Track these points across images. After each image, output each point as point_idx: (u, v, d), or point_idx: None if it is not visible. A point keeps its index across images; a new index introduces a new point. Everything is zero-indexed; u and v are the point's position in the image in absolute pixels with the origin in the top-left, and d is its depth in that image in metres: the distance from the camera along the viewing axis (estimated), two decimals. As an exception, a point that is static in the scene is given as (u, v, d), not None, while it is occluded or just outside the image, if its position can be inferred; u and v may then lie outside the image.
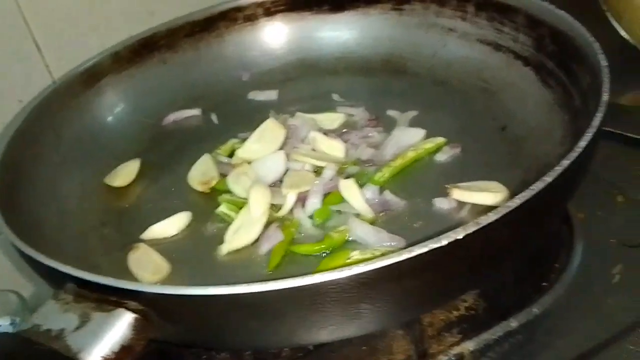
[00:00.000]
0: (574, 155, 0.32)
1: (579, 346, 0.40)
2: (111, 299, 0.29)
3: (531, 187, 0.30)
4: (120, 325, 0.28)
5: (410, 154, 0.50)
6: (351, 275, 0.27)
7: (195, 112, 0.63)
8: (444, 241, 0.27)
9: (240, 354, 0.41)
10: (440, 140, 0.52)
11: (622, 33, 0.67)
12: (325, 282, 0.27)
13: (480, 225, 0.28)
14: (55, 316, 0.29)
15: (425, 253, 0.27)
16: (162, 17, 0.67)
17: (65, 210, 0.49)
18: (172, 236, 0.48)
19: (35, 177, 0.48)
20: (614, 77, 0.64)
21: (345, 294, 0.28)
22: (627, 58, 0.68)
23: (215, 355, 0.41)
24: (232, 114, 0.63)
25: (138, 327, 0.28)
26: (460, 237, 0.28)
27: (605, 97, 0.36)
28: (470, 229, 0.28)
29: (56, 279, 0.32)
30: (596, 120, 0.34)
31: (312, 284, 0.27)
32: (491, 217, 0.28)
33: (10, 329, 0.55)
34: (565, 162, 0.31)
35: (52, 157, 0.51)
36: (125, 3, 0.67)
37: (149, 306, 0.29)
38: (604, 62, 0.39)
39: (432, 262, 0.28)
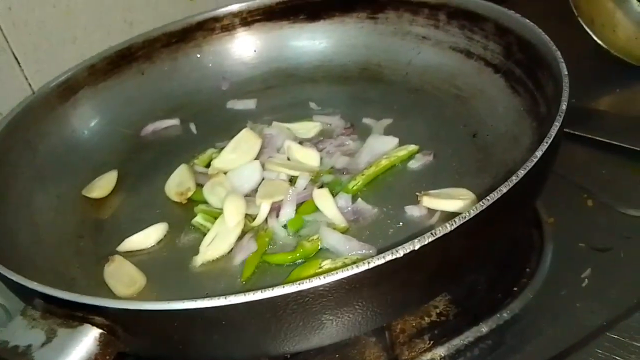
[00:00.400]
0: (529, 164, 0.32)
1: (548, 350, 0.41)
2: (78, 314, 0.30)
3: (487, 197, 0.30)
4: (86, 341, 0.29)
5: (384, 162, 0.51)
6: (309, 288, 0.28)
7: (174, 122, 0.64)
8: (400, 252, 0.28)
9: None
10: (412, 147, 0.52)
11: (595, 38, 0.68)
12: (283, 295, 0.28)
13: (436, 236, 0.28)
14: (23, 332, 0.29)
15: (383, 264, 0.28)
16: (140, 28, 0.67)
17: (41, 223, 0.50)
18: (149, 247, 0.48)
19: (10, 190, 0.48)
20: (587, 81, 0.66)
21: (306, 306, 0.28)
22: (600, 63, 0.69)
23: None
24: (210, 123, 0.63)
25: (104, 342, 0.29)
26: (416, 247, 0.28)
27: (564, 105, 0.37)
28: (426, 239, 0.28)
29: (25, 295, 0.32)
30: (554, 129, 0.35)
31: (273, 297, 0.28)
32: (447, 227, 0.29)
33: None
34: (521, 172, 0.32)
35: (28, 170, 0.52)
36: (103, 14, 0.67)
37: (115, 321, 0.30)
38: (564, 70, 0.40)
39: (391, 273, 0.29)
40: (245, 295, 0.28)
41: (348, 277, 0.28)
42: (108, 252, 0.48)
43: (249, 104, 0.65)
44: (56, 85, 0.58)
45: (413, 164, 0.52)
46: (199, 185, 0.53)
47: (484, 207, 0.30)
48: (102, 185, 0.55)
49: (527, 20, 0.49)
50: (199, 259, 0.45)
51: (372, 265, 0.28)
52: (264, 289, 0.28)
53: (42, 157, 0.54)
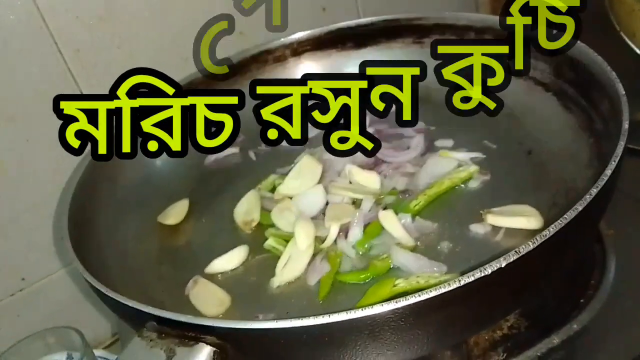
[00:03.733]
0: (601, 183, 0.34)
1: (619, 358, 0.42)
2: (190, 334, 0.33)
3: (564, 216, 0.32)
4: (202, 358, 0.32)
5: (446, 183, 0.53)
6: (406, 305, 0.30)
7: (234, 150, 0.67)
8: (488, 270, 0.30)
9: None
10: (473, 168, 0.54)
11: (637, 51, 0.69)
12: (384, 312, 0.30)
13: (521, 254, 0.31)
14: (143, 352, 0.33)
15: (473, 282, 0.30)
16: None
17: (125, 252, 0.54)
18: (232, 270, 0.51)
19: (99, 223, 0.53)
20: (634, 93, 0.67)
21: (402, 322, 0.31)
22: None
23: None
24: (268, 150, 0.67)
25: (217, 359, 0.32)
26: (502, 265, 0.30)
27: (625, 125, 0.39)
28: (512, 257, 0.31)
29: (137, 319, 0.36)
30: (619, 149, 0.37)
31: (372, 315, 0.30)
32: (529, 246, 0.31)
33: (66, 364, 0.59)
34: (594, 191, 0.34)
35: (111, 202, 0.56)
36: (161, 52, 0.71)
37: (225, 340, 0.32)
38: (621, 90, 0.42)
39: (478, 289, 0.31)
40: (347, 313, 0.30)
41: (441, 294, 0.30)
42: (187, 276, 0.51)
43: (304, 130, 0.68)
44: (128, 121, 0.63)
45: (470, 183, 0.54)
46: (266, 210, 0.56)
47: (562, 226, 0.32)
48: (176, 213, 0.59)
49: (578, 41, 0.51)
50: (276, 281, 0.48)
51: (463, 283, 0.30)
52: (364, 307, 0.30)
53: (121, 190, 0.58)
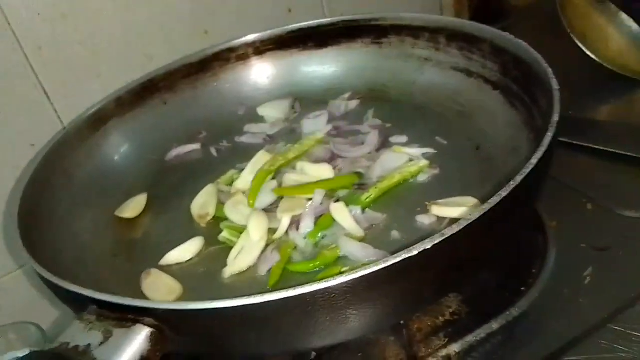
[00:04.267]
0: (525, 171, 0.36)
1: (555, 343, 0.44)
2: (129, 316, 0.33)
3: (488, 201, 0.34)
4: (139, 339, 0.32)
5: (397, 176, 0.55)
6: (336, 284, 0.32)
7: (196, 146, 0.68)
8: (414, 251, 0.32)
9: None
10: (423, 162, 0.56)
11: (588, 53, 0.72)
12: (314, 291, 0.31)
13: (445, 236, 0.32)
14: (81, 334, 0.33)
15: (399, 262, 0.32)
16: (160, 61, 0.72)
17: (80, 245, 0.54)
18: (186, 261, 0.52)
19: (52, 216, 0.53)
20: (584, 93, 0.70)
21: (332, 302, 0.32)
22: (595, 76, 0.73)
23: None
24: (230, 146, 0.68)
25: (154, 340, 0.33)
26: (428, 247, 0.32)
27: (556, 117, 0.41)
28: (437, 239, 0.32)
29: (78, 303, 0.36)
30: (547, 139, 0.39)
31: (303, 293, 0.32)
32: (454, 228, 0.33)
33: (29, 361, 0.59)
34: (518, 178, 0.36)
35: (66, 196, 0.56)
36: (125, 50, 0.72)
37: (162, 321, 0.33)
38: (555, 85, 0.44)
39: (406, 270, 0.33)
40: (279, 292, 0.31)
41: (368, 274, 0.32)
42: (142, 268, 0.52)
43: (265, 127, 0.70)
44: (87, 117, 0.63)
45: (420, 177, 0.55)
46: (222, 204, 0.57)
47: (486, 210, 0.34)
48: (134, 207, 0.59)
49: (521, 41, 0.53)
50: (228, 271, 0.49)
51: (389, 263, 0.32)
52: (295, 287, 0.32)
53: (78, 184, 0.58)
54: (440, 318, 0.46)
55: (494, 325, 0.45)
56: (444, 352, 0.44)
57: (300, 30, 0.73)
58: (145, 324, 0.33)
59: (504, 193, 0.35)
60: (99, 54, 0.71)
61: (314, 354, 0.44)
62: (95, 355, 0.32)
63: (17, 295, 0.71)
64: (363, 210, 0.52)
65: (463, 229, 0.33)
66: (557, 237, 0.52)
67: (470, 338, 0.44)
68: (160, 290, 0.47)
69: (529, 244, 0.52)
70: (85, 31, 0.68)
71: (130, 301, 0.33)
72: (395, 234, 0.50)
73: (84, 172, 0.60)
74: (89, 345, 0.32)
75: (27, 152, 0.67)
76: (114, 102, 0.66)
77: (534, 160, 0.37)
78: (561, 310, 0.47)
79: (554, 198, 0.54)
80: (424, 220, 0.50)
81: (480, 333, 0.45)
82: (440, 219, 0.49)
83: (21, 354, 0.59)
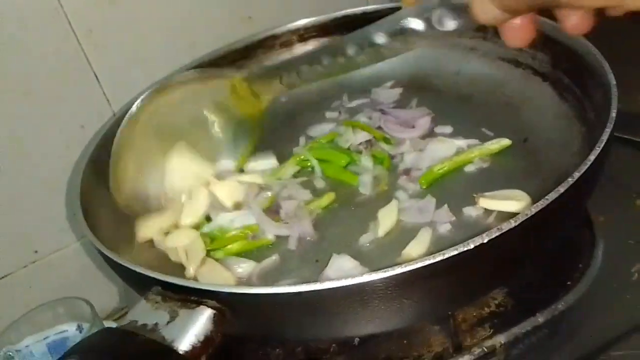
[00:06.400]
0: (583, 167, 0.36)
1: (601, 338, 0.44)
2: (192, 298, 0.35)
3: (546, 197, 0.34)
4: (203, 319, 0.34)
5: (476, 152, 0.55)
6: (392, 275, 0.32)
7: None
8: (471, 245, 0.32)
9: (293, 350, 0.46)
10: (505, 141, 0.55)
11: None
12: (371, 281, 0.32)
13: (502, 231, 0.33)
14: (148, 313, 0.35)
15: (456, 255, 0.32)
16: (202, 47, 0.73)
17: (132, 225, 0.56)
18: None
19: (108, 199, 0.55)
20: (632, 85, 0.68)
21: (388, 291, 0.33)
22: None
23: (271, 352, 0.47)
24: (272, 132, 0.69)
25: (217, 321, 0.34)
26: (485, 241, 0.32)
27: (613, 113, 0.40)
28: (493, 234, 0.33)
29: (143, 284, 0.38)
30: (605, 135, 0.38)
31: (361, 283, 0.33)
32: (511, 223, 0.33)
33: (77, 335, 0.61)
34: (576, 174, 0.36)
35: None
36: (169, 37, 0.73)
37: (223, 304, 0.35)
38: (612, 80, 0.44)
39: (461, 263, 0.33)
40: (336, 281, 0.33)
41: (425, 266, 0.32)
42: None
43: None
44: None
45: (468, 168, 0.55)
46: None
47: (543, 206, 0.34)
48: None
49: (575, 33, 0.52)
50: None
51: (447, 255, 0.32)
52: (354, 276, 0.33)
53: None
54: (486, 309, 0.46)
55: (540, 318, 0.45)
56: (489, 343, 0.45)
57: (345, 17, 0.73)
58: (208, 306, 0.34)
59: (562, 189, 0.35)
60: (145, 39, 0.72)
61: (357, 339, 0.46)
62: (163, 333, 0.33)
63: (67, 271, 0.74)
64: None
65: (520, 224, 0.33)
66: (604, 233, 0.52)
67: (516, 330, 0.45)
68: (215, 280, 0.48)
69: (576, 239, 0.52)
70: (132, 17, 0.69)
71: (195, 284, 0.35)
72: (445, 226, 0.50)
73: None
74: (157, 324, 0.34)
75: (77, 133, 0.69)
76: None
77: (592, 157, 0.37)
78: (608, 305, 0.47)
79: (601, 193, 0.53)
80: (471, 212, 0.50)
81: (526, 326, 0.45)
82: (487, 211, 0.49)
83: (68, 327, 0.62)
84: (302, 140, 0.65)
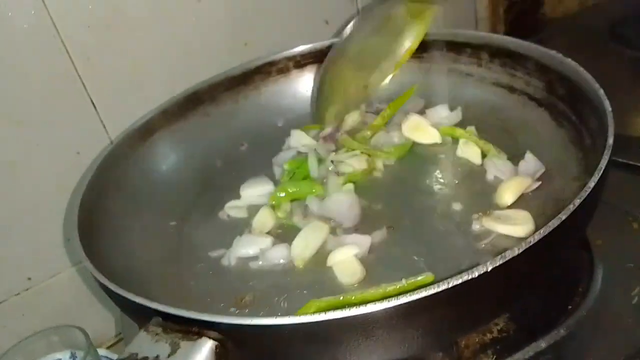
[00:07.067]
0: (584, 194, 0.36)
1: (604, 362, 0.44)
2: (193, 329, 0.35)
3: (548, 224, 0.35)
4: (205, 352, 0.34)
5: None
6: (397, 305, 0.32)
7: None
8: (475, 273, 0.32)
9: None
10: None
11: None
12: (376, 311, 0.32)
13: (506, 259, 0.33)
14: (148, 345, 0.34)
15: (460, 284, 0.32)
16: (199, 72, 0.74)
17: (129, 252, 0.55)
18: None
19: (105, 226, 0.54)
20: (626, 109, 0.69)
21: (391, 321, 0.33)
22: (638, 91, 0.72)
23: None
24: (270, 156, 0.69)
25: (219, 353, 0.34)
26: (489, 269, 0.32)
27: (610, 140, 0.41)
28: (497, 262, 0.33)
29: (142, 314, 0.38)
30: (603, 162, 0.39)
31: (364, 313, 0.32)
32: (515, 251, 0.33)
33: (70, 364, 0.60)
34: (577, 201, 0.36)
35: (116, 207, 0.58)
36: (166, 63, 0.73)
37: (225, 335, 0.34)
38: (608, 107, 0.44)
39: (465, 291, 0.33)
40: (340, 312, 0.32)
41: (429, 295, 0.32)
42: (190, 274, 0.53)
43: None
44: (136, 128, 0.65)
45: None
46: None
47: (546, 233, 0.34)
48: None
49: (569, 59, 0.53)
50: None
51: (451, 285, 0.32)
52: (356, 305, 0.32)
53: (127, 193, 0.60)
54: (488, 335, 0.46)
55: (542, 343, 0.45)
56: (492, 369, 0.44)
57: (341, 44, 0.73)
58: (210, 337, 0.34)
59: (563, 216, 0.35)
60: (141, 65, 0.72)
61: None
62: (164, 366, 0.33)
63: (61, 298, 0.73)
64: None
65: (523, 251, 0.33)
66: (603, 256, 0.52)
67: (519, 356, 0.45)
68: (345, 272, 0.48)
69: (575, 263, 0.52)
70: (129, 43, 0.70)
71: (196, 315, 0.34)
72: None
73: (134, 182, 0.61)
74: (158, 356, 0.33)
75: (73, 159, 0.69)
76: (161, 114, 0.67)
77: (592, 183, 0.37)
78: (609, 329, 0.47)
79: (599, 216, 0.54)
80: (474, 226, 0.50)
81: (529, 351, 0.45)
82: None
83: (61, 355, 0.61)
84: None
